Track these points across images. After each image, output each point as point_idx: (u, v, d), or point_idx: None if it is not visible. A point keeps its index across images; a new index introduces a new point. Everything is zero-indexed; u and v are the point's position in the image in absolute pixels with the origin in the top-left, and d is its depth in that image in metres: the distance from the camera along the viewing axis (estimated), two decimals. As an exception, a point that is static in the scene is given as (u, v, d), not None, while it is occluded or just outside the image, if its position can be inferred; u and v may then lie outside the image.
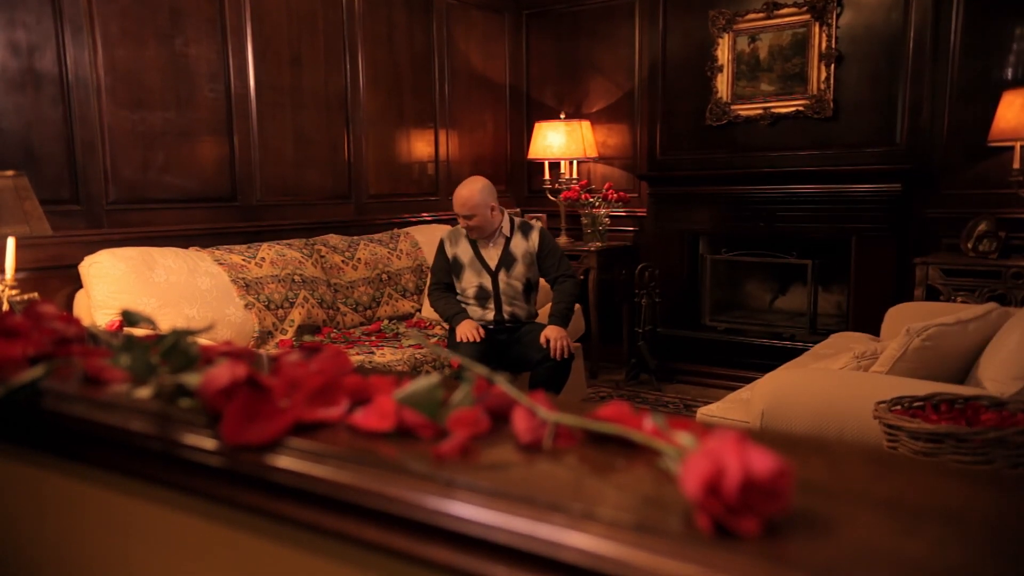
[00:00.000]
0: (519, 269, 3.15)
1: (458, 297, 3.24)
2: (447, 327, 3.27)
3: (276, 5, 3.49)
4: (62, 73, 2.80)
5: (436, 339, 3.33)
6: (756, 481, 0.41)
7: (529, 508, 0.46)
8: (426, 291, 3.33)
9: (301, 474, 0.55)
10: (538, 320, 3.34)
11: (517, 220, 3.24)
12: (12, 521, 0.84)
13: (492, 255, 3.16)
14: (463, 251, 3.17)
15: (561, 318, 3.15)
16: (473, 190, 3.09)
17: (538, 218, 4.72)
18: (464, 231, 3.17)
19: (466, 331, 3.06)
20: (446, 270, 3.22)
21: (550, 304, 3.22)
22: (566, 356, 3.03)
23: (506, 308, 3.17)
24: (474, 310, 3.18)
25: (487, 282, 3.15)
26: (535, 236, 3.19)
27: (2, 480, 0.84)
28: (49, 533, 0.81)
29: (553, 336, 3.03)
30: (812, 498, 0.46)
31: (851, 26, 3.82)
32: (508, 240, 3.16)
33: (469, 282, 3.17)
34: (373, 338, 3.32)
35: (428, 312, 3.61)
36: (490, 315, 3.16)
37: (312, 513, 0.55)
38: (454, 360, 2.90)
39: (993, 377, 2.01)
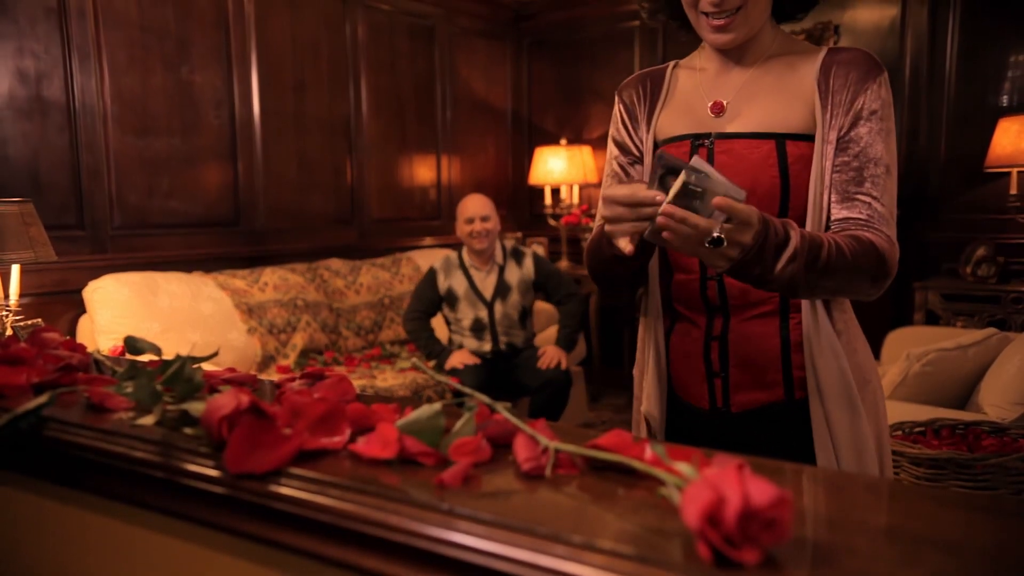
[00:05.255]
0: (514, 298, 3.14)
1: (452, 328, 3.23)
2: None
3: (280, 32, 3.55)
4: (69, 101, 2.84)
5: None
6: (756, 511, 0.42)
7: (530, 538, 0.46)
8: (404, 314, 3.24)
9: (303, 502, 0.55)
10: (537, 342, 3.34)
11: (508, 246, 3.24)
12: (15, 548, 0.84)
13: (487, 285, 3.14)
14: (458, 282, 3.14)
15: (567, 342, 3.16)
16: (485, 196, 3.16)
17: (540, 243, 4.75)
18: (455, 259, 3.17)
19: (460, 360, 3.05)
20: (432, 301, 3.16)
21: (555, 327, 3.22)
22: (561, 367, 3.05)
23: (502, 338, 3.15)
24: (470, 342, 3.16)
25: (483, 314, 3.13)
26: (529, 262, 3.18)
27: (5, 507, 0.84)
28: (51, 561, 0.81)
29: (551, 352, 3.07)
30: (812, 527, 0.47)
31: (848, 54, 3.86)
32: (502, 268, 3.15)
33: (464, 314, 3.14)
34: (375, 362, 3.31)
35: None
36: (487, 346, 3.15)
37: (314, 542, 0.55)
38: (453, 380, 2.91)
39: (994, 402, 2.01)
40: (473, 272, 3.13)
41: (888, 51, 3.77)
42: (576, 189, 4.65)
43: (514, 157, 4.97)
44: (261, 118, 3.47)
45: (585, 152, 4.57)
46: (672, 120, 1.17)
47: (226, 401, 0.61)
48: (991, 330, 2.24)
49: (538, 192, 4.80)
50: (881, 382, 1.17)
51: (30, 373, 0.83)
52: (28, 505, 0.81)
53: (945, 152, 3.69)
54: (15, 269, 2.16)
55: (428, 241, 4.35)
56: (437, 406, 0.62)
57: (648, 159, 1.18)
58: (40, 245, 2.14)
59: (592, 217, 4.51)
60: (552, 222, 4.66)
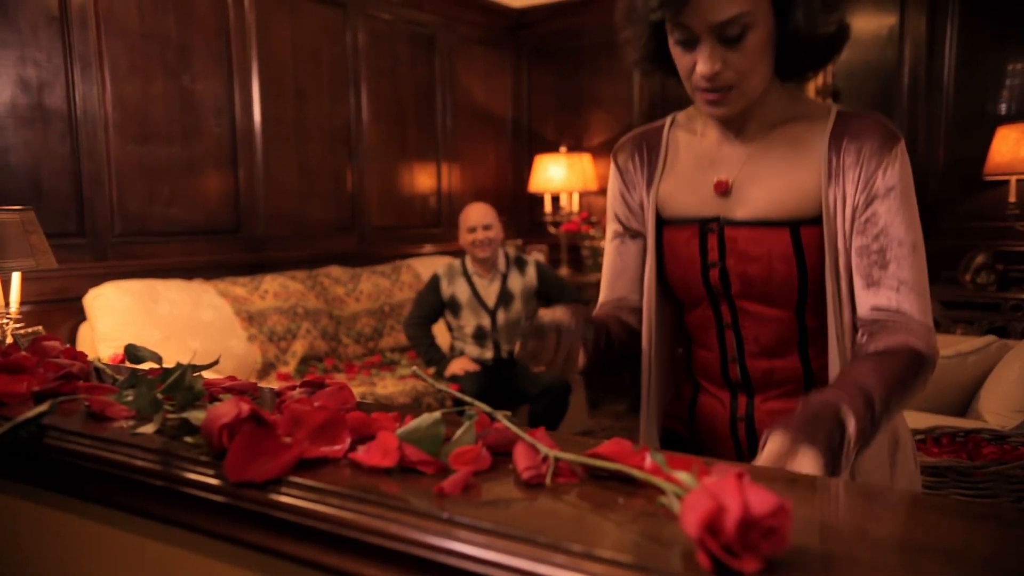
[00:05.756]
0: (517, 306, 3.14)
1: (454, 335, 3.23)
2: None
3: (281, 40, 3.56)
4: (70, 109, 2.84)
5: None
6: (755, 519, 0.42)
7: (530, 547, 0.46)
8: (404, 320, 3.26)
9: (304, 511, 0.55)
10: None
11: (511, 254, 3.24)
12: (15, 556, 0.84)
13: (490, 293, 3.15)
14: (461, 290, 3.15)
15: None
16: (487, 205, 3.16)
17: (540, 251, 4.75)
18: (459, 267, 3.17)
19: (461, 367, 3.04)
20: (434, 307, 3.17)
21: None
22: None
23: (504, 346, 3.16)
24: (472, 349, 3.16)
25: (485, 322, 3.13)
26: (532, 271, 3.19)
27: (5, 516, 0.83)
28: (52, 569, 0.80)
29: None
30: (811, 536, 0.47)
31: (847, 62, 3.88)
32: (505, 276, 3.16)
33: (467, 321, 3.15)
34: (375, 370, 3.31)
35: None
36: (488, 354, 3.15)
37: (314, 551, 0.55)
38: (453, 387, 2.90)
39: (994, 410, 2.01)
40: (476, 280, 3.14)
41: (886, 59, 3.79)
42: (576, 197, 4.66)
43: (514, 165, 4.98)
44: (262, 126, 3.48)
45: (585, 160, 4.58)
46: (674, 195, 1.10)
47: (226, 410, 0.61)
48: (991, 337, 2.24)
49: (538, 200, 4.81)
50: (911, 435, 1.12)
51: (30, 381, 0.84)
52: (28, 513, 0.81)
53: (944, 160, 3.70)
54: (16, 277, 2.16)
55: (428, 249, 4.35)
56: (437, 414, 0.62)
57: (651, 233, 1.12)
58: (41, 253, 2.14)
59: (592, 224, 4.53)
60: (552, 230, 4.67)
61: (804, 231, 1.00)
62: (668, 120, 1.15)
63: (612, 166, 1.19)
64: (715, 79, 0.95)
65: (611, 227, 1.19)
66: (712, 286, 1.07)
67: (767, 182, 1.03)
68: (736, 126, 1.06)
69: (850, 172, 0.98)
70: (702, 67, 0.95)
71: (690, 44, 0.96)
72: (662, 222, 1.12)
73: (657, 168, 1.13)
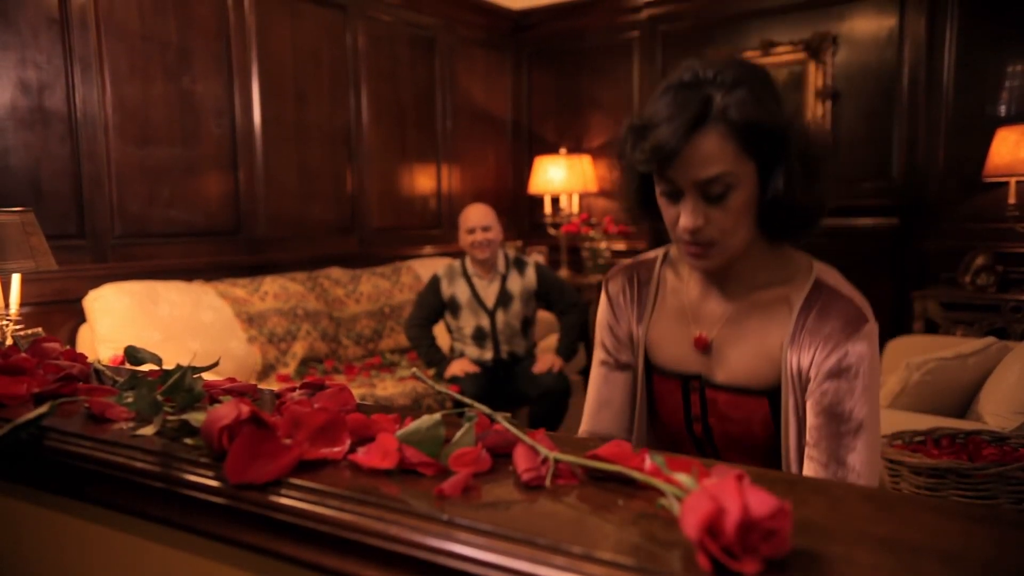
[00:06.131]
0: (516, 307, 3.14)
1: (454, 336, 3.23)
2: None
3: (281, 42, 3.56)
4: (71, 110, 2.85)
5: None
6: (755, 521, 0.42)
7: (530, 548, 0.46)
8: (405, 321, 3.26)
9: (304, 513, 0.55)
10: (538, 350, 3.34)
11: (511, 255, 3.25)
12: (15, 558, 0.84)
13: (489, 294, 3.14)
14: (461, 291, 3.15)
15: (566, 352, 3.16)
16: (487, 206, 3.16)
17: (540, 252, 4.75)
18: (459, 268, 3.17)
19: (461, 368, 3.04)
20: (434, 308, 3.17)
21: (555, 336, 3.22)
22: (553, 370, 3.05)
23: (504, 347, 3.15)
24: (472, 350, 3.16)
25: (485, 322, 3.13)
26: (531, 273, 3.18)
27: (5, 517, 0.83)
28: (52, 571, 0.80)
29: (547, 357, 3.08)
30: (811, 538, 0.47)
31: (846, 64, 3.89)
32: (504, 277, 3.16)
33: (467, 322, 3.14)
34: (375, 371, 3.31)
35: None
36: (488, 355, 3.15)
37: (314, 552, 0.55)
38: (453, 388, 2.90)
39: (994, 411, 2.01)
40: (476, 280, 3.14)
41: (886, 61, 3.79)
42: (576, 198, 4.66)
43: (514, 166, 4.98)
44: (262, 127, 3.48)
45: (585, 161, 4.59)
46: (660, 344, 1.13)
47: (226, 411, 0.61)
48: (991, 339, 2.24)
49: (538, 201, 4.81)
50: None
51: (30, 383, 0.84)
52: (28, 515, 0.81)
53: (943, 162, 3.70)
54: (16, 278, 2.16)
55: (428, 250, 4.35)
56: (437, 416, 0.62)
57: (641, 369, 1.14)
58: (41, 254, 2.15)
59: (592, 226, 4.53)
60: (552, 231, 4.67)
61: (782, 399, 1.03)
62: (661, 254, 1.17)
63: (603, 294, 1.20)
64: (697, 234, 0.97)
65: (599, 353, 1.20)
66: (695, 434, 1.11)
67: (745, 347, 1.05)
68: (719, 282, 1.08)
69: (811, 345, 0.99)
70: (685, 221, 0.97)
71: (675, 197, 0.98)
72: (649, 364, 1.14)
73: (647, 306, 1.15)
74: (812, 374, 0.99)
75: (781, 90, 0.99)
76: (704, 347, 1.08)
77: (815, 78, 3.93)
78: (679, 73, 0.98)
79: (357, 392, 2.90)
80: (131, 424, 0.73)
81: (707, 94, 0.93)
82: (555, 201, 4.68)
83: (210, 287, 3.05)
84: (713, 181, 0.94)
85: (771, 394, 1.03)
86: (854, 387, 0.97)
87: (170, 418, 0.72)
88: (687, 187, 0.96)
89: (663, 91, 0.98)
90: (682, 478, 0.50)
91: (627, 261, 1.20)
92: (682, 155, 0.93)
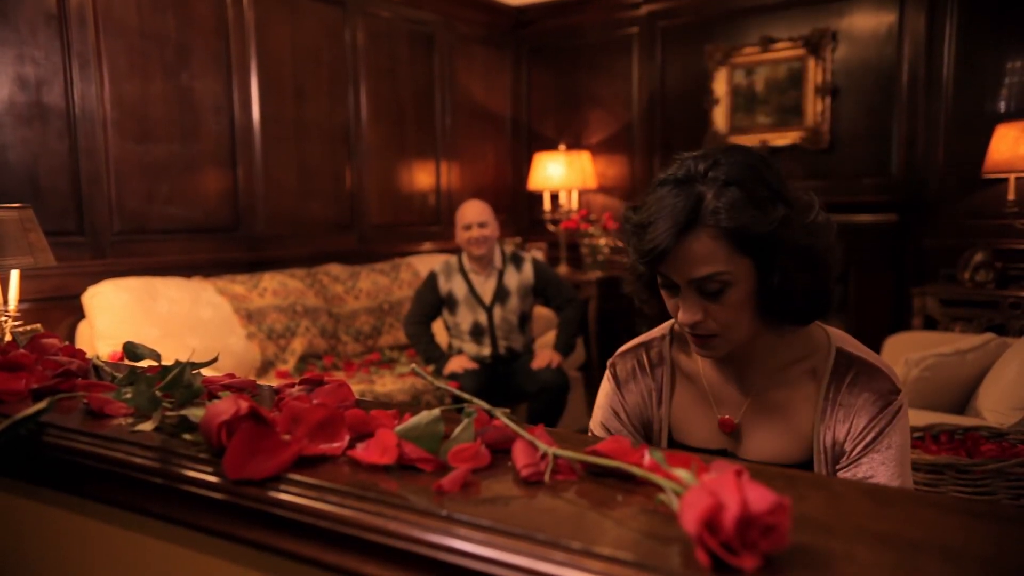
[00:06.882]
0: (513, 303, 3.14)
1: (451, 333, 3.23)
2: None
3: (280, 39, 3.56)
4: (69, 107, 2.84)
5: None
6: (754, 517, 0.42)
7: (529, 544, 0.46)
8: (403, 318, 3.26)
9: (303, 509, 0.55)
10: (536, 346, 3.34)
11: (508, 251, 3.25)
12: (14, 554, 0.84)
13: (486, 289, 3.14)
14: (458, 286, 3.15)
15: (564, 348, 3.16)
16: (483, 202, 3.15)
17: (539, 248, 4.75)
18: (455, 264, 3.17)
19: (459, 365, 3.04)
20: (432, 304, 3.17)
21: (553, 332, 3.22)
22: (552, 366, 3.05)
23: (501, 343, 3.16)
24: (469, 346, 3.16)
25: (482, 318, 3.13)
26: (528, 268, 3.18)
27: (4, 514, 0.83)
28: (51, 567, 0.80)
29: (545, 353, 3.09)
30: (810, 533, 0.47)
31: (846, 60, 3.88)
32: (501, 273, 3.16)
33: (464, 318, 3.14)
34: (374, 367, 3.31)
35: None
36: (486, 351, 3.15)
37: (313, 548, 0.55)
38: (452, 385, 2.91)
39: (992, 407, 2.01)
40: (473, 276, 3.14)
41: (886, 57, 3.79)
42: (575, 194, 4.66)
43: (513, 163, 4.97)
44: (261, 124, 3.47)
45: (584, 157, 4.58)
46: (682, 425, 1.12)
47: (225, 407, 0.61)
48: (989, 335, 2.25)
49: (537, 197, 4.80)
50: None
51: (29, 379, 0.83)
52: (27, 511, 0.81)
53: (943, 158, 3.70)
54: (14, 274, 2.16)
55: (427, 247, 4.35)
56: (436, 412, 0.62)
57: (663, 447, 1.12)
58: (39, 251, 2.14)
59: (591, 222, 4.52)
60: (551, 227, 4.66)
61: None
62: (667, 334, 1.15)
63: (609, 380, 1.18)
64: (697, 327, 0.98)
65: (599, 435, 1.17)
66: None
67: (772, 426, 1.05)
68: (736, 365, 1.07)
69: (845, 419, 1.00)
70: (683, 316, 0.98)
71: (674, 290, 0.99)
72: (671, 442, 1.14)
73: (664, 388, 1.13)
74: (847, 448, 1.00)
75: (780, 175, 0.97)
76: (731, 429, 1.08)
77: (814, 74, 3.93)
78: (673, 168, 0.98)
79: (356, 388, 2.90)
80: (130, 420, 0.73)
81: (699, 193, 0.93)
82: (554, 197, 4.67)
83: (209, 283, 3.05)
84: (707, 279, 0.95)
85: (800, 467, 1.03)
86: (887, 459, 0.98)
87: (169, 414, 0.72)
88: (683, 284, 0.97)
89: (658, 184, 0.98)
90: (681, 474, 0.50)
91: (630, 344, 1.18)
92: (675, 254, 0.94)
